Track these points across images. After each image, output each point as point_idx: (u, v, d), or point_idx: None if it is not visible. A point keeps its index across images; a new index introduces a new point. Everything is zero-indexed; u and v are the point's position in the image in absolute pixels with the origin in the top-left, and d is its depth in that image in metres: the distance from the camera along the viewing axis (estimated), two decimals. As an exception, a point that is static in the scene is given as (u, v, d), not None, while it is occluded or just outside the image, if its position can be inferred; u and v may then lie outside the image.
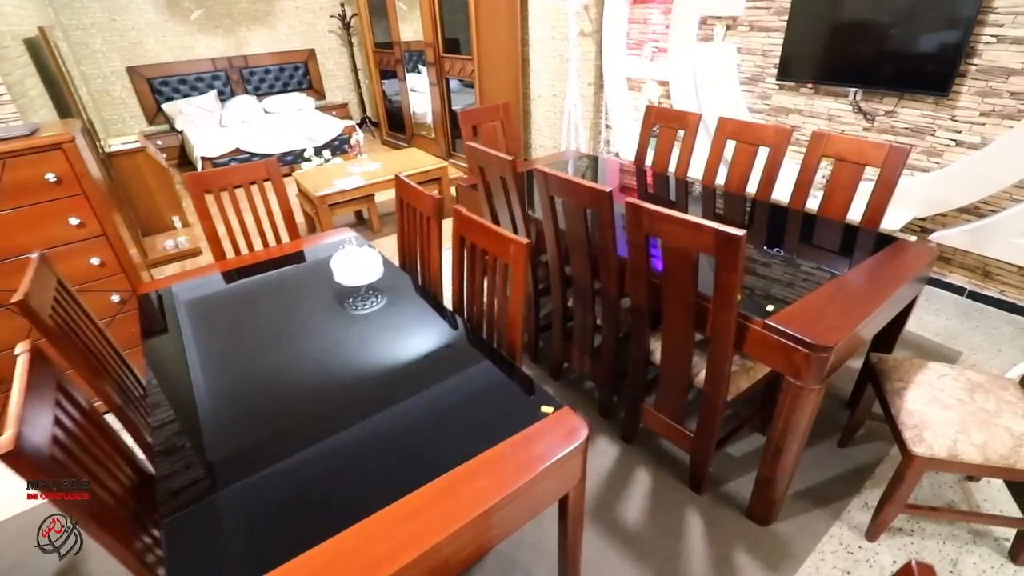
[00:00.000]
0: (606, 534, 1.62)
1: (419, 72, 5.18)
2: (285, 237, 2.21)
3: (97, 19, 4.91)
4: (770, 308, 1.39)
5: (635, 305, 1.63)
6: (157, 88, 5.38)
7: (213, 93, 5.57)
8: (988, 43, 2.30)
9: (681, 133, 2.41)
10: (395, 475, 0.99)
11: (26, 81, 2.49)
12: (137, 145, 3.59)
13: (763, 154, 2.12)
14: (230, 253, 2.06)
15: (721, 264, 1.26)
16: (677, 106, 3.51)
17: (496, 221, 2.20)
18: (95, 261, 2.01)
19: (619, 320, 1.79)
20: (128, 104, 5.30)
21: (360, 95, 6.54)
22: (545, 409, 1.12)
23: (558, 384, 2.25)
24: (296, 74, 6.12)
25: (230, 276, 1.82)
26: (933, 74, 2.40)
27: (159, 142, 5.34)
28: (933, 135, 2.57)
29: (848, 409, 2.01)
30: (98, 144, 3.06)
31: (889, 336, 1.82)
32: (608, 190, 1.49)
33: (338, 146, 5.19)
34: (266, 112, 5.69)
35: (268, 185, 2.11)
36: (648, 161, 2.63)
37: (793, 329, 1.29)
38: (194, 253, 3.60)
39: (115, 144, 3.74)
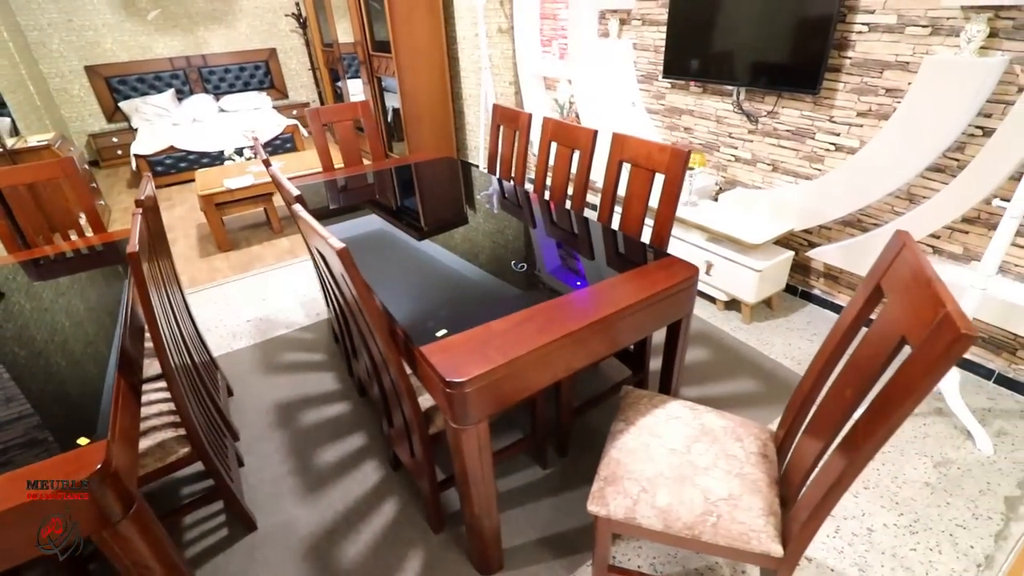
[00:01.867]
0: (313, 571, 1.46)
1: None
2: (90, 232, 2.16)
3: (54, 19, 5.05)
4: (441, 333, 1.21)
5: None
6: (115, 87, 5.51)
7: (170, 92, 5.65)
8: (860, 32, 2.02)
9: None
10: None
11: None
12: (45, 142, 3.64)
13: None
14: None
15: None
16: (581, 107, 3.30)
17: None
18: None
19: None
20: (87, 102, 5.44)
21: (320, 94, 6.54)
22: (81, 440, 0.97)
23: (362, 401, 2.10)
24: (257, 73, 6.16)
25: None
26: (801, 70, 2.13)
27: (115, 139, 5.47)
28: (813, 138, 2.29)
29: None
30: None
31: (667, 368, 1.59)
32: (297, 194, 1.33)
33: (280, 145, 5.18)
34: (222, 111, 5.74)
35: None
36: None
37: (436, 360, 1.11)
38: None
39: (31, 141, 3.81)
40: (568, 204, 1.98)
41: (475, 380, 1.06)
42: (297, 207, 1.23)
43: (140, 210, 1.37)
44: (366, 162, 2.71)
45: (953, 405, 1.80)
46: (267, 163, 1.79)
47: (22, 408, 1.10)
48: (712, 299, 2.58)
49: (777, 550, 1.03)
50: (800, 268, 2.54)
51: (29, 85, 4.64)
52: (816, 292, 2.53)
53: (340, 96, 5.65)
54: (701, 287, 2.58)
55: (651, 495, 1.12)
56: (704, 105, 2.70)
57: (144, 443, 1.33)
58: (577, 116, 3.39)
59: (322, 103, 6.62)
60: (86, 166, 4.40)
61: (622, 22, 2.97)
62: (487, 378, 1.08)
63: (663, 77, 2.72)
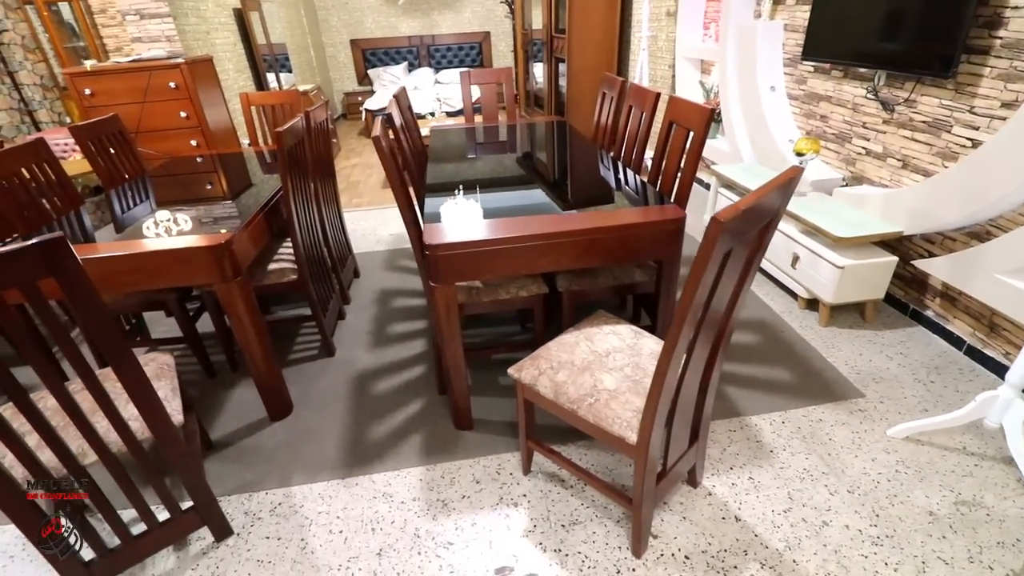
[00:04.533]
0: (356, 388, 2.01)
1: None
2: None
3: (337, 2, 6.67)
4: (443, 219, 1.59)
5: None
6: (368, 57, 7.02)
7: (404, 64, 6.97)
8: (1016, 8, 1.72)
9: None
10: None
11: (215, 32, 3.88)
12: (306, 90, 4.98)
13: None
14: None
15: (384, 165, 1.54)
16: (723, 89, 3.25)
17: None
18: (193, 143, 3.16)
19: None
20: (347, 67, 7.06)
21: (516, 74, 7.26)
22: (221, 230, 1.62)
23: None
24: (471, 53, 7.16)
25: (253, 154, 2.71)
26: (935, 49, 1.89)
27: (359, 98, 7.00)
28: (949, 131, 1.99)
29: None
30: (267, 82, 4.45)
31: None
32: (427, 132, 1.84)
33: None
34: (437, 82, 6.87)
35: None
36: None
37: (427, 231, 1.49)
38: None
39: (301, 88, 5.23)
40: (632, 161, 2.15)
41: (444, 247, 1.42)
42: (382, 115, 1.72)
43: (301, 116, 2.04)
44: (500, 119, 3.18)
45: (1014, 447, 1.51)
46: (421, 117, 2.36)
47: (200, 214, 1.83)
48: (794, 296, 2.43)
49: (631, 437, 1.19)
50: (916, 284, 2.23)
51: (311, 51, 6.27)
52: (929, 314, 2.19)
53: (528, 74, 6.26)
54: (785, 281, 2.45)
55: (554, 372, 1.35)
56: (843, 91, 2.48)
57: (272, 266, 2.01)
58: (718, 100, 3.34)
59: (516, 79, 7.37)
60: (331, 113, 5.81)
61: (776, 2, 2.85)
62: (454, 249, 1.43)
63: (803, 59, 2.58)
